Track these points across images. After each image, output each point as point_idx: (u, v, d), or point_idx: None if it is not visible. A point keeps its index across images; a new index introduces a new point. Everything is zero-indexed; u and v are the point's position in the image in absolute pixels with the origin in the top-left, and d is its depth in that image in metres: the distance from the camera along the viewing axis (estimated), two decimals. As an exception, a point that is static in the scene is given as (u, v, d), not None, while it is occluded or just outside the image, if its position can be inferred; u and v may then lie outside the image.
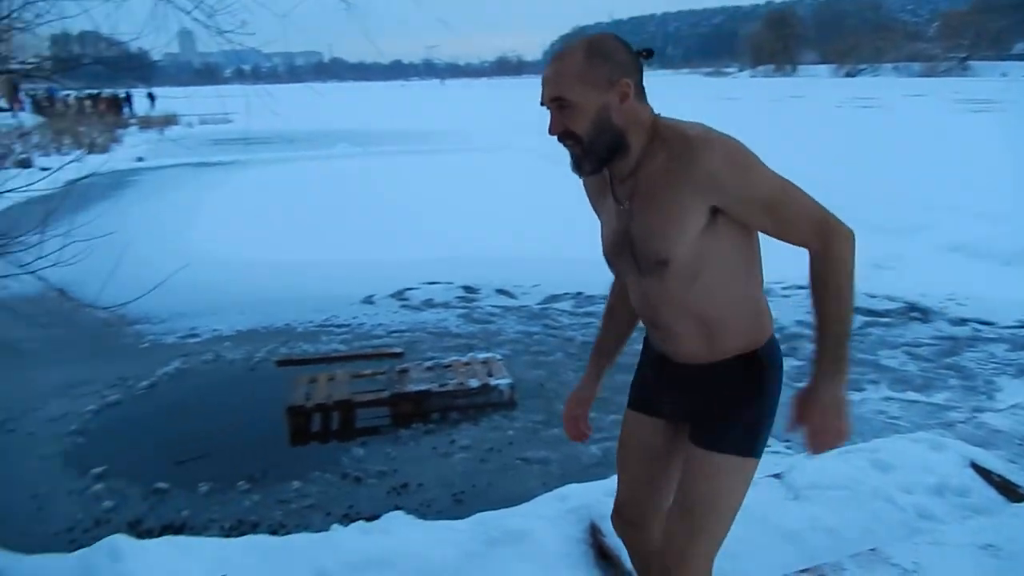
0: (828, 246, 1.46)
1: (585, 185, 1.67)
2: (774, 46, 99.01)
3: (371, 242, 8.98)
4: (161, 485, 3.82)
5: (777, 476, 3.28)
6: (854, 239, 1.47)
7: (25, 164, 13.93)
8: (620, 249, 1.58)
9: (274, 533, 3.21)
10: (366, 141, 22.52)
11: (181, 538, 3.14)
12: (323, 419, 4.63)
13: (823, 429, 1.52)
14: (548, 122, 1.47)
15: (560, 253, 8.04)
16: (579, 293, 6.92)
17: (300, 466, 4.02)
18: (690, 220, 1.43)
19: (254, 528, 3.41)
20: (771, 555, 2.80)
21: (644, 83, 1.49)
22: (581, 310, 6.55)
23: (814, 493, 3.16)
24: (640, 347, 1.81)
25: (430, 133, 25.04)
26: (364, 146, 21.36)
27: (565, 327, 6.14)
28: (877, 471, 3.28)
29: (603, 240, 1.64)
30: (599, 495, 3.17)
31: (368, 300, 6.94)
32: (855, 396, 4.69)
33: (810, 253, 1.49)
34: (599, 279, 6.74)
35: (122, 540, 2.76)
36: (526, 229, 9.17)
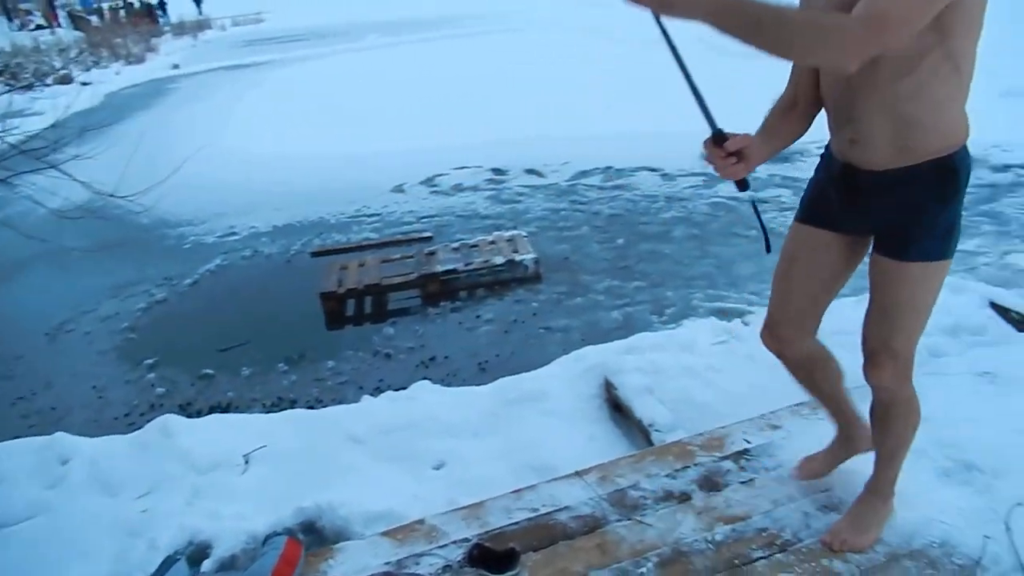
0: None
1: None
2: None
3: (402, 131, 8.94)
4: (207, 371, 4.08)
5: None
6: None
7: (66, 80, 14.12)
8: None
9: (311, 408, 3.42)
10: (397, 30, 21.94)
11: (226, 415, 3.38)
12: (356, 303, 4.81)
13: None
14: None
15: (590, 130, 7.88)
16: (608, 167, 6.82)
17: (334, 347, 4.22)
18: None
19: (292, 404, 3.64)
20: (776, 396, 2.82)
21: None
22: (609, 184, 6.48)
23: (824, 340, 3.18)
24: (816, 163, 1.75)
25: (464, 16, 24.19)
26: (395, 35, 20.84)
27: (592, 202, 6.10)
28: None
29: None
30: (615, 353, 3.27)
31: (398, 188, 6.99)
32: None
33: None
34: (629, 153, 6.63)
35: (173, 419, 2.98)
36: (558, 108, 8.97)
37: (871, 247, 1.66)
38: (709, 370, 3.01)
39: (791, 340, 1.85)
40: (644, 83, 10.30)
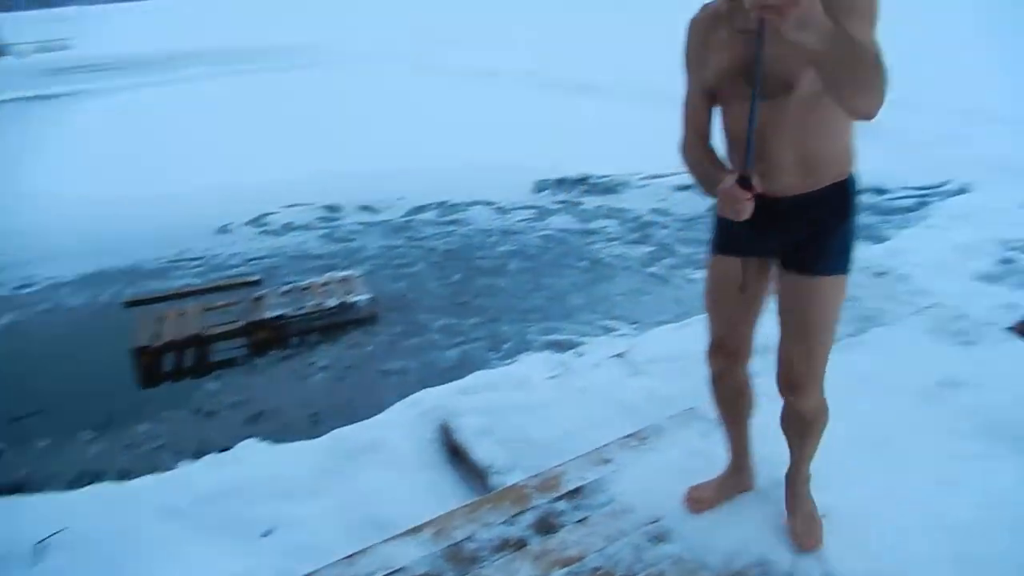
0: None
1: (691, 30, 1.71)
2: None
3: (227, 168, 8.49)
4: (-5, 446, 3.59)
5: (619, 356, 3.41)
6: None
7: None
8: (740, 75, 1.61)
9: (121, 480, 3.09)
10: (217, 60, 20.99)
11: (16, 498, 2.99)
12: (175, 357, 4.44)
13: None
14: None
15: (425, 164, 7.88)
16: (443, 202, 6.83)
17: (149, 408, 3.86)
18: None
19: (98, 478, 3.26)
20: (609, 426, 2.89)
21: None
22: (445, 219, 6.48)
23: (652, 367, 3.32)
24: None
25: (287, 47, 23.57)
26: (214, 65, 19.92)
27: (428, 237, 6.07)
28: (710, 340, 3.45)
29: (715, 71, 1.66)
30: (451, 395, 3.23)
31: (223, 229, 6.60)
32: (697, 274, 4.91)
33: None
34: (463, 187, 6.67)
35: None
36: (390, 142, 8.92)
37: (778, 269, 1.80)
38: (544, 406, 3.04)
39: (737, 358, 1.96)
40: (474, 116, 10.53)
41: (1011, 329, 3.25)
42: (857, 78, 1.31)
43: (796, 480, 2.01)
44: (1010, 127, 7.29)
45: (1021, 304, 3.47)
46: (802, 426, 1.89)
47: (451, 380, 3.44)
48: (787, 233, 1.72)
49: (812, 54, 1.28)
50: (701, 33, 1.69)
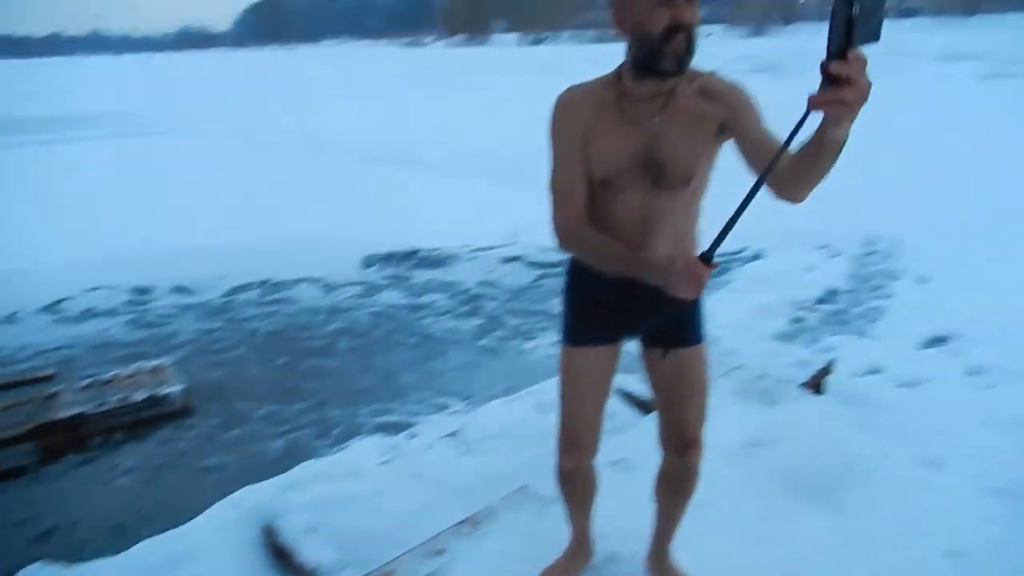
0: None
1: (567, 112, 1.70)
2: (467, 14, 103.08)
3: (13, 248, 7.64)
4: None
5: (452, 435, 3.39)
6: None
7: None
8: (636, 166, 1.67)
9: None
10: (11, 129, 19.16)
11: None
12: (-56, 472, 3.83)
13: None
14: (662, 16, 1.53)
15: (247, 240, 7.56)
16: (266, 281, 6.55)
17: (-92, 536, 3.28)
18: (711, 137, 1.66)
19: None
20: (443, 511, 2.84)
21: None
22: (268, 298, 6.21)
23: (485, 444, 3.32)
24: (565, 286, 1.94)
25: (96, 116, 22.04)
26: (10, 135, 18.15)
27: (250, 319, 5.77)
28: (539, 412, 3.52)
29: (612, 163, 1.68)
30: (275, 491, 3.03)
31: (9, 319, 5.88)
32: (527, 344, 5.04)
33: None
34: (288, 264, 6.43)
35: None
36: (208, 217, 8.49)
37: (646, 348, 1.92)
38: (376, 495, 2.93)
39: (593, 451, 2.02)
40: (298, 189, 10.32)
41: (804, 385, 3.61)
42: (828, 170, 1.38)
43: (666, 544, 2.13)
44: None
45: (812, 361, 3.85)
46: (690, 482, 2.01)
47: (276, 473, 3.23)
48: (657, 311, 1.80)
49: (835, 147, 1.29)
50: (584, 118, 1.69)
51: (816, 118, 1.23)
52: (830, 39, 1.11)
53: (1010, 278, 5.57)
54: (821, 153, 1.30)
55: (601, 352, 1.90)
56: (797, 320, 5.25)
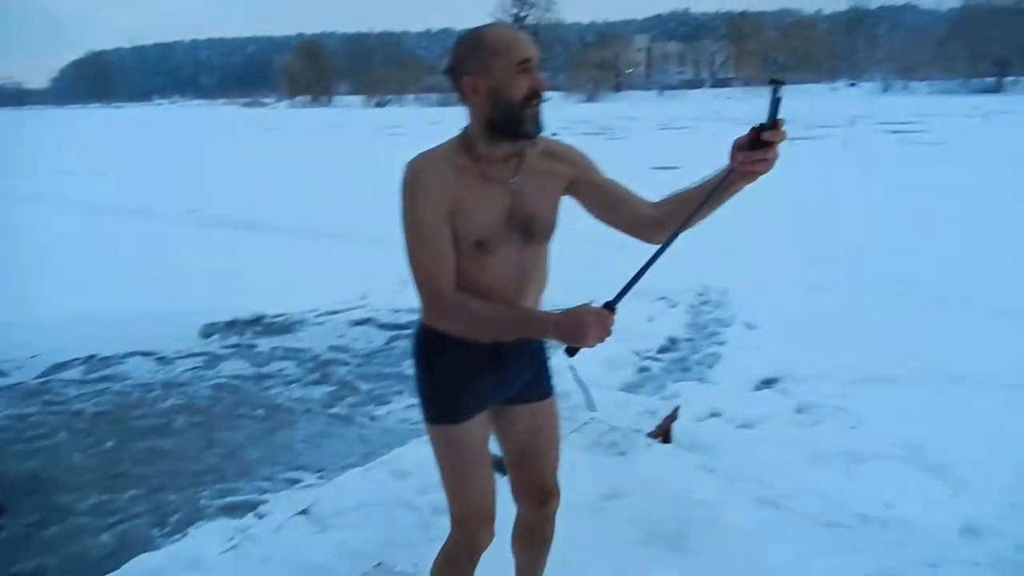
0: None
1: (429, 178, 1.66)
2: (309, 77, 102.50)
3: None
4: None
5: (304, 512, 3.21)
6: None
7: None
8: (507, 224, 1.71)
9: None
10: None
11: None
12: None
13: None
14: (523, 83, 1.64)
15: (67, 313, 6.90)
16: (92, 356, 5.98)
17: None
18: (561, 193, 1.81)
19: None
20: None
21: None
22: (93, 376, 5.66)
23: (340, 519, 3.17)
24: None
25: None
26: None
27: (71, 400, 5.22)
28: (396, 480, 3.44)
29: (487, 225, 1.69)
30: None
31: None
32: (380, 409, 4.93)
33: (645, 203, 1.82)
34: (116, 338, 5.93)
35: None
36: (19, 291, 7.69)
37: (504, 406, 1.95)
38: (220, 586, 2.71)
39: (494, 518, 1.96)
40: (126, 257, 9.61)
41: (652, 434, 3.76)
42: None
43: None
44: (634, 253, 8.77)
45: (658, 410, 4.03)
46: (550, 531, 2.08)
47: (104, 573, 2.91)
48: (522, 369, 1.90)
49: (737, 191, 1.62)
50: (446, 184, 1.65)
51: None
52: (769, 115, 1.45)
53: (824, 321, 6.18)
54: (718, 204, 1.61)
55: (479, 419, 1.87)
56: (643, 369, 5.51)
